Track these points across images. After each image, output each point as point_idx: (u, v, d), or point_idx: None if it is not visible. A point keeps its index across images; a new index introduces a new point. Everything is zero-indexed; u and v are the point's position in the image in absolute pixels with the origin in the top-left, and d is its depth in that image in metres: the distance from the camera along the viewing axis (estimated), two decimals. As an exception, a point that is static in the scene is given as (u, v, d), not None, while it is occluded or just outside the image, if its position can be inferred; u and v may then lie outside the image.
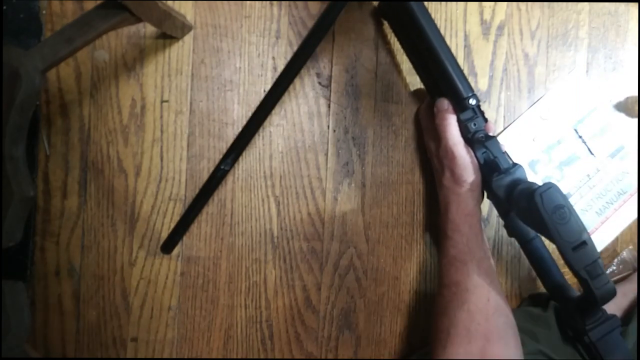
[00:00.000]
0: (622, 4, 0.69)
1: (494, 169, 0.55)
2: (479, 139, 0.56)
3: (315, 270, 0.66)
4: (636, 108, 0.69)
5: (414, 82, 0.67)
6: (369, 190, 0.67)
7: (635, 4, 0.69)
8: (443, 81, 0.56)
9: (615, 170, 0.68)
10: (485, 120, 0.57)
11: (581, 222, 0.47)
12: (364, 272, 0.66)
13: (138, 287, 0.65)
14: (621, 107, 0.69)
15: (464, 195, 0.55)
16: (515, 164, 0.55)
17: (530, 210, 0.47)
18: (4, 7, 0.63)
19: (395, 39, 0.66)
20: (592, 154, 0.68)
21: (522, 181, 0.53)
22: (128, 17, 0.50)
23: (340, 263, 0.66)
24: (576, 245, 0.46)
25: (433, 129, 0.59)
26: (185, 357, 0.65)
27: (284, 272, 0.66)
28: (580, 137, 0.68)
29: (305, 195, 0.66)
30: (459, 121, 0.57)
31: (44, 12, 0.64)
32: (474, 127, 0.56)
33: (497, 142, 0.56)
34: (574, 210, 0.47)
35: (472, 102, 0.56)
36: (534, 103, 0.68)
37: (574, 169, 0.68)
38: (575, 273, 0.48)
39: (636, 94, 0.69)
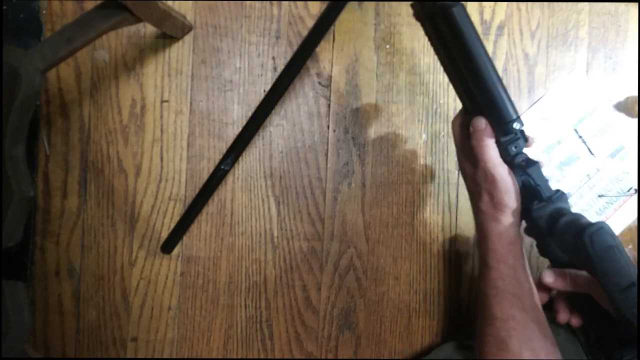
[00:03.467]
0: (622, 4, 0.69)
1: (534, 196, 0.51)
2: (519, 164, 0.51)
3: (315, 270, 0.66)
4: (636, 108, 0.69)
5: (414, 82, 0.67)
6: (369, 190, 0.67)
7: (635, 4, 0.69)
8: (485, 100, 0.50)
9: (615, 170, 0.68)
10: (526, 140, 0.52)
11: (631, 262, 0.44)
12: (364, 272, 0.66)
13: (138, 287, 0.65)
14: (621, 107, 0.69)
15: (504, 222, 0.51)
16: (557, 191, 0.51)
17: (577, 247, 0.45)
18: (4, 7, 0.63)
19: (396, 38, 0.66)
20: (592, 154, 0.68)
21: (565, 211, 0.50)
22: (128, 17, 0.50)
23: (340, 263, 0.66)
24: (625, 287, 0.44)
25: (468, 149, 0.53)
26: (185, 357, 0.65)
27: (284, 272, 0.66)
28: (580, 137, 0.68)
29: (305, 195, 0.66)
30: (498, 143, 0.51)
31: (44, 12, 0.64)
32: (514, 150, 0.51)
33: (539, 168, 0.51)
34: (623, 249, 0.44)
35: (517, 126, 0.50)
36: (534, 103, 0.68)
37: (574, 169, 0.68)
38: (621, 314, 0.45)
39: (636, 94, 0.69)
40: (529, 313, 0.50)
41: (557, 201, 0.50)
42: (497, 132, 0.51)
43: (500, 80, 0.49)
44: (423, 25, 0.54)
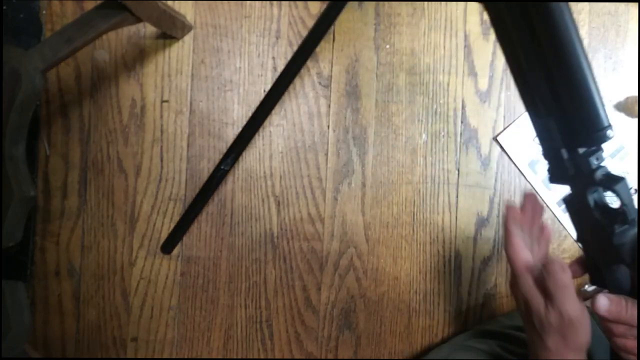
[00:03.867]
0: (622, 4, 0.69)
1: (616, 219, 0.43)
2: (600, 179, 0.43)
3: (315, 270, 0.66)
4: (636, 108, 0.69)
5: (414, 81, 0.67)
6: (369, 190, 0.67)
7: (635, 4, 0.69)
8: (577, 102, 0.42)
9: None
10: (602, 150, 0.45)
11: None
12: (364, 272, 0.66)
13: (138, 287, 0.65)
14: (621, 107, 0.69)
15: (572, 357, 0.46)
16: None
17: None
18: (4, 7, 0.63)
19: (396, 38, 0.66)
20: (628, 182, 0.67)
21: None
22: (128, 17, 0.50)
23: (340, 263, 0.66)
24: None
25: (539, 281, 0.46)
26: (185, 357, 0.65)
27: (284, 272, 0.66)
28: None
29: (305, 195, 0.66)
30: (579, 156, 0.43)
31: (44, 12, 0.64)
32: (595, 162, 0.43)
33: (627, 185, 0.43)
34: None
35: (610, 134, 0.41)
36: (534, 103, 0.68)
37: (574, 169, 0.68)
38: None
39: (636, 94, 0.69)
40: None
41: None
42: (580, 142, 0.43)
43: (594, 77, 0.41)
44: (493, 9, 0.45)
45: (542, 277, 0.45)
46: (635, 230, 0.43)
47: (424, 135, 0.67)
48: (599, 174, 0.43)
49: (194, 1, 0.65)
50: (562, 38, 0.40)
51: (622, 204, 0.43)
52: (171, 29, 0.61)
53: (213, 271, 0.65)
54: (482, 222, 0.67)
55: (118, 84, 0.65)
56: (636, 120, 0.69)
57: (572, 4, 0.71)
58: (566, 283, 0.45)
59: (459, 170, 0.67)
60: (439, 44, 0.67)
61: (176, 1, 0.65)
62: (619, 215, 0.43)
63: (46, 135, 0.64)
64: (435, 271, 0.67)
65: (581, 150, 0.43)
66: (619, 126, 0.68)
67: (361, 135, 0.67)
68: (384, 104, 0.67)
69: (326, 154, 0.66)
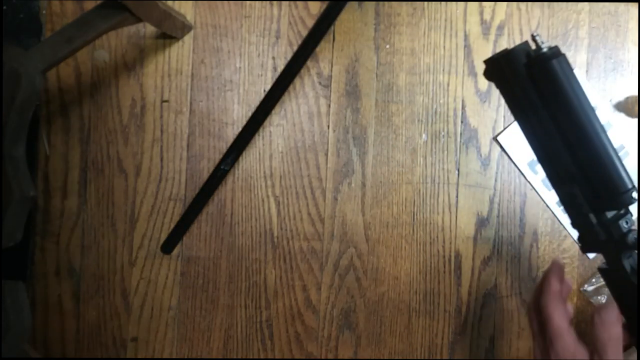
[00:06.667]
0: (622, 4, 0.69)
1: None
2: (632, 242, 0.43)
3: (315, 270, 0.66)
4: (636, 108, 0.69)
5: (414, 81, 0.67)
6: (369, 190, 0.67)
7: (635, 4, 0.69)
8: (596, 167, 0.42)
9: None
10: (631, 214, 0.44)
11: None
12: (364, 272, 0.66)
13: (138, 287, 0.65)
14: (621, 107, 0.69)
15: None
16: None
17: None
18: (4, 7, 0.63)
19: (396, 38, 0.66)
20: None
21: None
22: (128, 17, 0.50)
23: (340, 263, 0.66)
24: None
25: (590, 335, 0.45)
26: (185, 357, 0.65)
27: (284, 272, 0.66)
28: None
29: (305, 195, 0.66)
30: (608, 220, 0.43)
31: (44, 12, 0.64)
32: (626, 226, 0.43)
33: None
34: None
35: (635, 195, 0.42)
36: (534, 103, 0.68)
37: (574, 169, 0.68)
38: None
39: (636, 94, 0.69)
40: None
41: None
42: (606, 205, 0.43)
43: (610, 141, 0.42)
44: (503, 83, 0.46)
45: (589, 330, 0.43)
46: None
47: (424, 135, 0.67)
48: (631, 238, 0.43)
49: (194, 1, 0.65)
50: (580, 115, 0.41)
51: None
52: (171, 29, 0.61)
53: (213, 271, 0.65)
54: (482, 222, 0.67)
55: (118, 84, 0.65)
56: (636, 120, 0.69)
57: (572, 4, 0.72)
58: (618, 335, 0.43)
59: (459, 170, 0.67)
60: (439, 44, 0.67)
61: (176, 1, 0.65)
62: None
63: (46, 135, 0.64)
64: (435, 271, 0.67)
65: (609, 215, 0.43)
66: (619, 126, 0.68)
67: (361, 135, 0.67)
68: (384, 104, 0.67)
69: (326, 154, 0.66)
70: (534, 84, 0.43)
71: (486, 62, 0.46)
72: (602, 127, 0.42)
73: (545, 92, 0.43)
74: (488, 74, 0.47)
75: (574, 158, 0.44)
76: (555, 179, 0.46)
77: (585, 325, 0.68)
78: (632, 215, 0.43)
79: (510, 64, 0.43)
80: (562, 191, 0.46)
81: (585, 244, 0.45)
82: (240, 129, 0.63)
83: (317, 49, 0.63)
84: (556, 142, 0.44)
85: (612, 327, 0.43)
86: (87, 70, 0.64)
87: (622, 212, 0.43)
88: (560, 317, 0.45)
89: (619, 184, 0.42)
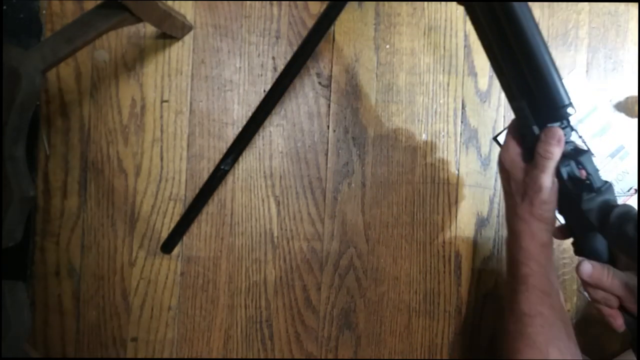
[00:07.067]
0: (622, 4, 0.69)
1: (584, 187, 0.49)
2: (568, 152, 0.50)
3: (315, 270, 0.66)
4: (636, 108, 0.69)
5: (414, 81, 0.67)
6: (369, 190, 0.67)
7: (635, 4, 0.69)
8: (538, 84, 0.49)
9: (615, 170, 0.68)
10: (572, 129, 0.51)
11: None
12: (364, 272, 0.66)
13: (138, 287, 0.65)
14: (621, 107, 0.69)
15: (538, 227, 0.52)
16: (606, 182, 0.49)
17: (635, 240, 0.43)
18: (4, 7, 0.63)
19: (396, 38, 0.66)
20: (592, 154, 0.68)
21: (614, 202, 0.48)
22: (128, 17, 0.50)
23: (340, 263, 0.66)
24: None
25: (523, 152, 0.53)
26: (185, 357, 0.65)
27: (284, 272, 0.66)
28: (580, 137, 0.68)
29: (305, 195, 0.66)
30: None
31: (44, 12, 0.64)
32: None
33: (591, 157, 0.50)
34: None
35: (571, 111, 0.49)
36: (534, 103, 0.68)
37: (574, 169, 0.68)
38: None
39: (636, 94, 0.69)
40: (557, 312, 0.50)
41: (605, 192, 0.48)
42: (546, 118, 0.50)
43: (554, 63, 0.48)
44: (470, 8, 0.53)
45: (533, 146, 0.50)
46: (601, 198, 0.48)
47: (424, 135, 0.67)
48: (567, 148, 0.50)
49: (194, 1, 0.65)
50: (525, 33, 0.47)
51: (588, 174, 0.49)
52: (171, 29, 0.61)
53: (213, 271, 0.65)
54: (482, 222, 0.67)
55: (118, 84, 0.65)
56: (636, 120, 0.69)
57: (572, 4, 0.72)
58: (555, 155, 0.49)
59: (458, 170, 0.67)
60: (439, 44, 0.67)
61: (176, 1, 0.65)
62: (586, 184, 0.49)
63: (46, 135, 0.64)
64: (435, 271, 0.67)
65: (551, 127, 0.49)
66: (619, 126, 0.68)
67: (361, 135, 0.67)
68: (384, 104, 0.67)
69: (326, 154, 0.66)
70: (487, 11, 0.50)
71: None
72: (548, 51, 0.48)
73: (500, 18, 0.49)
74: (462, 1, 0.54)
75: (523, 76, 0.50)
76: (509, 95, 0.53)
77: (585, 324, 0.68)
78: (572, 130, 0.50)
79: None
80: (513, 105, 0.53)
81: (529, 152, 0.51)
82: (240, 129, 0.63)
83: (317, 49, 0.63)
84: (510, 62, 0.50)
85: (553, 147, 0.49)
86: (87, 70, 0.64)
87: (562, 125, 0.50)
88: (511, 133, 0.54)
89: (558, 99, 0.48)
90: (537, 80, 0.49)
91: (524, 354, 0.49)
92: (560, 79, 0.49)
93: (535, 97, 0.50)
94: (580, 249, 0.54)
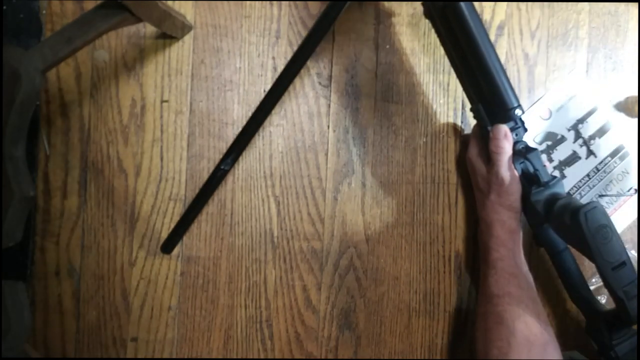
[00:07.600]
0: (622, 4, 0.69)
1: (532, 181, 0.55)
2: (519, 151, 0.56)
3: (315, 270, 0.66)
4: (636, 108, 0.69)
5: (414, 82, 0.67)
6: (369, 190, 0.67)
7: (635, 4, 0.69)
8: (489, 88, 0.55)
9: (615, 170, 0.68)
10: (526, 130, 0.57)
11: (622, 243, 0.48)
12: (364, 272, 0.66)
13: (138, 287, 0.65)
14: (621, 107, 0.69)
15: (507, 216, 0.57)
16: (554, 177, 0.55)
17: (572, 227, 0.48)
18: (4, 7, 0.63)
19: (396, 38, 0.66)
20: (592, 154, 0.68)
21: (561, 196, 0.53)
22: (128, 17, 0.50)
23: (340, 263, 0.66)
24: (616, 265, 0.47)
25: (483, 150, 0.59)
26: (185, 357, 0.65)
27: (284, 272, 0.66)
28: (580, 136, 0.68)
29: (305, 195, 0.66)
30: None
31: (44, 12, 0.64)
32: (515, 137, 0.56)
33: (538, 155, 0.56)
34: (615, 230, 0.48)
35: (518, 113, 0.56)
36: (534, 103, 0.68)
37: (574, 169, 0.68)
38: (613, 292, 0.49)
39: (636, 94, 0.69)
40: (524, 291, 0.54)
41: (553, 186, 0.54)
42: (499, 119, 0.56)
43: (503, 70, 0.55)
44: (433, 22, 0.59)
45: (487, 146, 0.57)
46: (549, 191, 0.54)
47: (424, 136, 0.67)
48: (518, 147, 0.56)
49: (194, 1, 0.65)
50: (475, 42, 0.54)
51: (535, 169, 0.55)
52: (171, 29, 0.61)
53: (213, 271, 0.65)
54: (482, 222, 0.67)
55: (118, 84, 0.65)
56: (636, 120, 0.69)
57: (572, 4, 0.72)
58: (505, 149, 0.55)
59: (459, 170, 0.67)
60: (439, 43, 0.67)
61: (176, 1, 0.65)
62: (534, 178, 0.55)
63: (46, 135, 0.64)
64: (435, 271, 0.67)
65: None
66: (619, 126, 0.68)
67: (361, 135, 0.67)
68: (384, 104, 0.67)
69: (326, 154, 0.66)
70: (445, 24, 0.56)
71: (423, 4, 0.61)
72: (497, 59, 0.55)
73: (455, 29, 0.55)
74: (427, 15, 0.61)
75: (477, 82, 0.56)
76: (469, 98, 0.60)
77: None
78: (523, 130, 0.57)
79: (434, 5, 0.57)
80: (472, 108, 0.59)
81: (487, 150, 0.59)
82: (240, 129, 0.63)
83: (317, 49, 0.63)
84: (467, 70, 0.57)
85: (501, 142, 0.56)
86: (87, 70, 0.64)
87: (512, 126, 0.56)
88: (472, 137, 0.62)
89: (507, 102, 0.55)
90: (488, 86, 0.55)
91: (493, 331, 0.52)
92: (510, 85, 0.55)
93: (488, 101, 0.56)
94: (538, 240, 0.60)
